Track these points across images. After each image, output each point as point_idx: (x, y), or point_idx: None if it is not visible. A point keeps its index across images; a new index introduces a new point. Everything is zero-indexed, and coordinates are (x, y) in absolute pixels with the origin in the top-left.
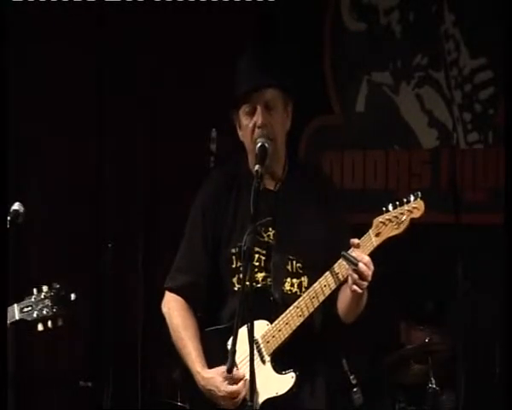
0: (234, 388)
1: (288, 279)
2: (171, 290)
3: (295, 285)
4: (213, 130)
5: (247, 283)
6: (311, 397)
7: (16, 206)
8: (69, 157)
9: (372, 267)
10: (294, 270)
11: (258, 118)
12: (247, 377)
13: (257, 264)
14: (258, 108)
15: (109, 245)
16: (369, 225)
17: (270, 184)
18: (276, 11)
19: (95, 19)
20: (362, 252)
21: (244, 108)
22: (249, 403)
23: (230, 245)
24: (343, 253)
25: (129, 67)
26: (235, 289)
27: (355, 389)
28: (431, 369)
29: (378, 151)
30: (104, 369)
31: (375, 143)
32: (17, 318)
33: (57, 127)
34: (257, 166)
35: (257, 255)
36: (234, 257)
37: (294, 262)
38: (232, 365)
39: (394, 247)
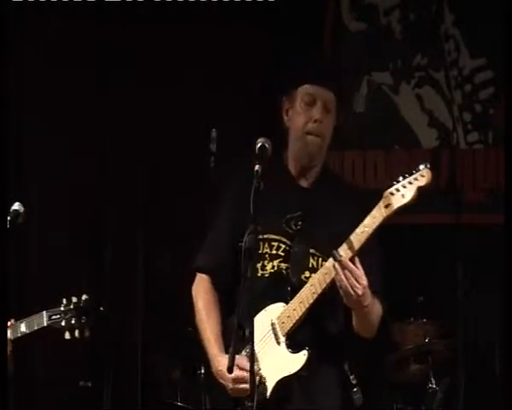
0: (240, 373)
1: (313, 275)
2: (198, 270)
3: None
4: (213, 130)
5: (249, 283)
6: (325, 384)
7: (16, 206)
8: (69, 157)
9: (364, 283)
10: (320, 266)
11: (317, 112)
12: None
13: (282, 254)
14: (319, 103)
15: (109, 245)
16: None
17: (303, 182)
18: (275, 11)
19: (95, 19)
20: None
21: (304, 96)
22: (249, 404)
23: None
24: (333, 252)
25: (129, 66)
26: (259, 275)
27: (355, 389)
28: (431, 369)
29: (378, 151)
30: (104, 369)
31: (375, 143)
32: (45, 324)
33: (57, 127)
34: (257, 166)
35: (283, 246)
36: (260, 243)
37: (320, 259)
38: (232, 364)
39: (394, 247)
